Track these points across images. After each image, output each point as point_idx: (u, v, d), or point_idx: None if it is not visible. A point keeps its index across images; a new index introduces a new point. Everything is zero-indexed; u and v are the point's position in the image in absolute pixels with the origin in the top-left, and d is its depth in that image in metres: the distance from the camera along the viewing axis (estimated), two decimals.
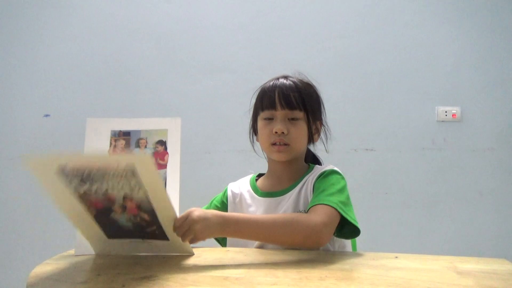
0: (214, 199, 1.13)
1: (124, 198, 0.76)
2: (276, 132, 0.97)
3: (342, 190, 0.95)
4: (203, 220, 0.80)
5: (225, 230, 0.83)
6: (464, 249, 2.05)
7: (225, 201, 1.10)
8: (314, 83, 1.07)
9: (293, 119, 0.99)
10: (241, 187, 1.10)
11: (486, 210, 2.09)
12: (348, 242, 1.06)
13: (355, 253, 0.93)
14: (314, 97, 1.04)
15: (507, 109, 2.13)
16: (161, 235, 0.84)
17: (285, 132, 0.97)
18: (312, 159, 1.13)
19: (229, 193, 1.10)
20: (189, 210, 0.82)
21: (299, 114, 0.99)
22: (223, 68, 2.22)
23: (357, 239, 1.23)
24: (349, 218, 0.90)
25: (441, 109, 2.14)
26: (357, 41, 2.19)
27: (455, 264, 0.79)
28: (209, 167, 2.17)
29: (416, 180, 2.13)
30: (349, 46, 2.19)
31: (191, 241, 0.81)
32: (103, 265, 0.83)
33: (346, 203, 0.93)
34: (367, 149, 2.16)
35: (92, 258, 0.88)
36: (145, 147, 0.98)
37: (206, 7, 2.25)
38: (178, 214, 0.84)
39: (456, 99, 2.14)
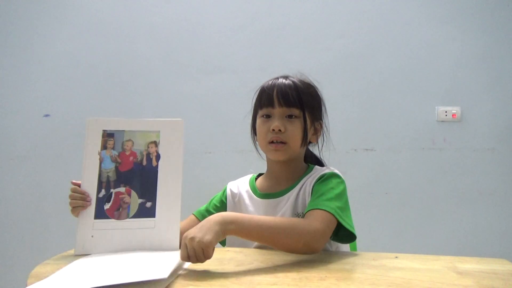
0: (214, 198, 1.13)
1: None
2: (273, 130, 0.97)
3: (341, 195, 0.94)
4: (200, 229, 0.75)
5: (227, 228, 0.77)
6: (464, 249, 2.05)
7: (224, 200, 1.10)
8: (316, 84, 1.07)
9: (290, 116, 0.98)
10: (240, 186, 1.10)
11: (486, 210, 2.09)
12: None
13: (355, 253, 0.93)
14: (314, 97, 1.04)
15: (507, 109, 2.13)
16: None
17: (282, 129, 0.97)
18: (316, 162, 1.11)
19: (228, 192, 1.10)
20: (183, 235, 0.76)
21: (296, 111, 0.99)
22: (223, 68, 2.22)
23: (357, 239, 1.23)
24: (345, 225, 0.90)
25: (441, 109, 2.13)
26: (357, 41, 2.19)
27: (455, 264, 0.79)
28: (209, 167, 2.17)
29: (416, 180, 2.13)
30: (349, 46, 2.19)
31: (201, 259, 0.74)
32: None
33: (344, 208, 0.92)
34: (367, 149, 2.16)
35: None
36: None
37: (206, 7, 2.25)
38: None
39: (456, 99, 2.14)
